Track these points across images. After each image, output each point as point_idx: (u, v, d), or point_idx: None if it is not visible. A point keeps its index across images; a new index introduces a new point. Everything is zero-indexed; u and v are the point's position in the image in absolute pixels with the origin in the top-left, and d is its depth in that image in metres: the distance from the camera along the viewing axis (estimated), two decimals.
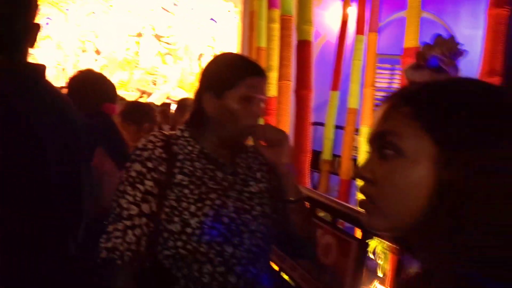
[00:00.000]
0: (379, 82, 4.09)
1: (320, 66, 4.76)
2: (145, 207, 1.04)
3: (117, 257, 0.99)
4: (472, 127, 0.52)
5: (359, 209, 1.35)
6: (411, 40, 2.79)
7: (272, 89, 3.10)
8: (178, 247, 1.02)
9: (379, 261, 3.12)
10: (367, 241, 1.34)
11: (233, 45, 5.26)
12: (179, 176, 1.06)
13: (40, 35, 1.02)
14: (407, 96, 0.59)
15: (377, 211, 0.59)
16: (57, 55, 5.36)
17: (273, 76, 3.09)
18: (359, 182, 0.64)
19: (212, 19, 5.61)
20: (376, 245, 3.02)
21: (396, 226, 0.58)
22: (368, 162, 0.61)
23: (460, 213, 0.51)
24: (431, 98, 0.56)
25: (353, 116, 3.83)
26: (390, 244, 2.37)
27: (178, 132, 1.14)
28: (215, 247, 1.03)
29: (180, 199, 1.04)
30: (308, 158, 2.34)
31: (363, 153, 3.53)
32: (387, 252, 2.93)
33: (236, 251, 1.05)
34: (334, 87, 4.09)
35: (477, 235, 0.51)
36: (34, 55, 4.90)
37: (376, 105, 3.67)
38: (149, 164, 1.06)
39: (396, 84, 5.15)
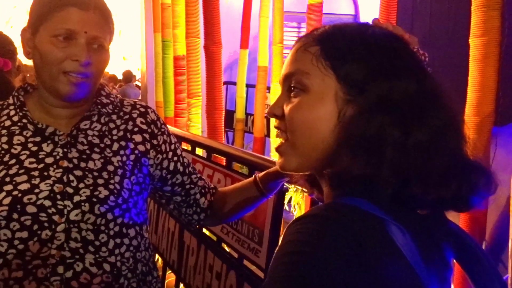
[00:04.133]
0: (287, 39, 4.13)
1: (228, 25, 4.68)
2: None
3: None
4: (371, 68, 0.56)
5: (272, 159, 1.37)
6: None
7: (180, 48, 2.98)
8: None
9: (295, 212, 3.27)
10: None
11: (136, 2, 4.94)
12: None
13: None
14: (317, 36, 0.61)
15: (289, 148, 0.62)
16: None
17: (180, 33, 2.96)
18: (274, 137, 0.65)
19: None
20: (291, 196, 3.15)
21: (306, 162, 0.61)
22: (278, 100, 0.63)
23: (356, 148, 0.54)
24: (338, 42, 0.59)
25: (263, 74, 3.85)
26: (305, 193, 2.49)
27: (10, 99, 0.95)
28: (16, 245, 0.85)
29: None
30: (221, 116, 2.32)
31: None
32: (302, 202, 3.08)
33: (44, 249, 0.85)
34: (243, 45, 4.06)
35: (366, 163, 0.53)
36: None
37: None
38: None
39: None
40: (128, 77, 8.04)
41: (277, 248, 0.51)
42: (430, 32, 3.94)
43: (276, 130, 0.66)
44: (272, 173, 1.05)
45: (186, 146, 1.89)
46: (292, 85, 0.60)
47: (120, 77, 8.69)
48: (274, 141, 3.37)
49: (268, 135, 3.89)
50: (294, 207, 3.22)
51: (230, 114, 4.26)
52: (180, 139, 1.90)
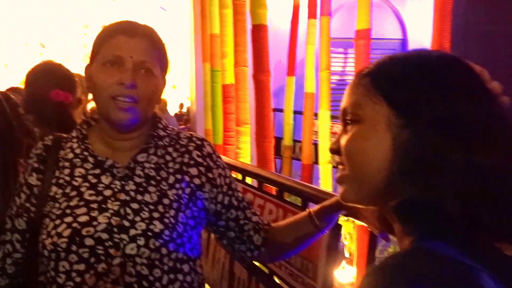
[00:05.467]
0: (333, 65, 4.11)
1: (274, 52, 4.74)
2: (18, 222, 0.93)
3: None
4: (423, 90, 0.54)
5: (327, 191, 1.33)
6: (363, 22, 2.81)
7: (229, 76, 3.04)
8: (45, 274, 0.89)
9: (346, 242, 3.16)
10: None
11: (186, 33, 5.12)
12: (54, 188, 0.92)
13: None
14: (368, 69, 0.61)
15: (347, 180, 0.61)
16: None
17: (229, 62, 3.02)
18: (322, 164, 0.64)
19: (161, 7, 5.44)
20: (342, 225, 3.05)
21: (365, 192, 0.59)
22: (337, 136, 0.63)
23: (414, 174, 0.51)
24: (387, 69, 0.58)
25: (310, 100, 3.83)
26: (357, 223, 2.40)
27: (74, 132, 0.98)
28: (73, 277, 0.86)
29: (48, 215, 0.89)
30: (271, 144, 2.31)
31: (323, 137, 3.55)
32: (353, 232, 2.97)
33: (99, 282, 0.86)
34: (290, 72, 4.08)
35: (429, 196, 0.50)
36: None
37: (333, 89, 3.69)
38: (26, 175, 0.95)
39: (351, 67, 5.21)
40: (164, 106, 8.67)
41: None
42: (487, 54, 3.78)
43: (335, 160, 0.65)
44: (327, 206, 1.00)
45: (235, 175, 1.88)
46: (347, 118, 0.61)
47: None
48: (323, 168, 3.31)
49: (316, 162, 3.84)
50: (345, 237, 3.12)
51: (277, 141, 4.25)
52: (230, 167, 1.89)
